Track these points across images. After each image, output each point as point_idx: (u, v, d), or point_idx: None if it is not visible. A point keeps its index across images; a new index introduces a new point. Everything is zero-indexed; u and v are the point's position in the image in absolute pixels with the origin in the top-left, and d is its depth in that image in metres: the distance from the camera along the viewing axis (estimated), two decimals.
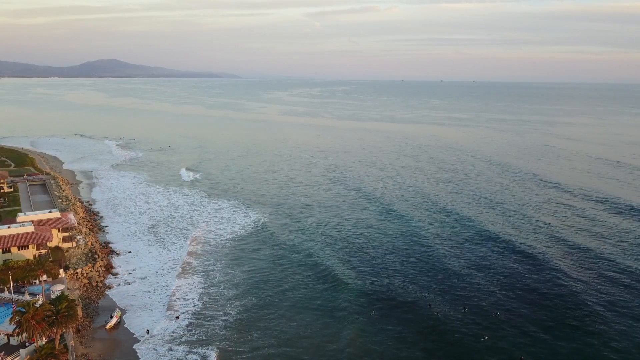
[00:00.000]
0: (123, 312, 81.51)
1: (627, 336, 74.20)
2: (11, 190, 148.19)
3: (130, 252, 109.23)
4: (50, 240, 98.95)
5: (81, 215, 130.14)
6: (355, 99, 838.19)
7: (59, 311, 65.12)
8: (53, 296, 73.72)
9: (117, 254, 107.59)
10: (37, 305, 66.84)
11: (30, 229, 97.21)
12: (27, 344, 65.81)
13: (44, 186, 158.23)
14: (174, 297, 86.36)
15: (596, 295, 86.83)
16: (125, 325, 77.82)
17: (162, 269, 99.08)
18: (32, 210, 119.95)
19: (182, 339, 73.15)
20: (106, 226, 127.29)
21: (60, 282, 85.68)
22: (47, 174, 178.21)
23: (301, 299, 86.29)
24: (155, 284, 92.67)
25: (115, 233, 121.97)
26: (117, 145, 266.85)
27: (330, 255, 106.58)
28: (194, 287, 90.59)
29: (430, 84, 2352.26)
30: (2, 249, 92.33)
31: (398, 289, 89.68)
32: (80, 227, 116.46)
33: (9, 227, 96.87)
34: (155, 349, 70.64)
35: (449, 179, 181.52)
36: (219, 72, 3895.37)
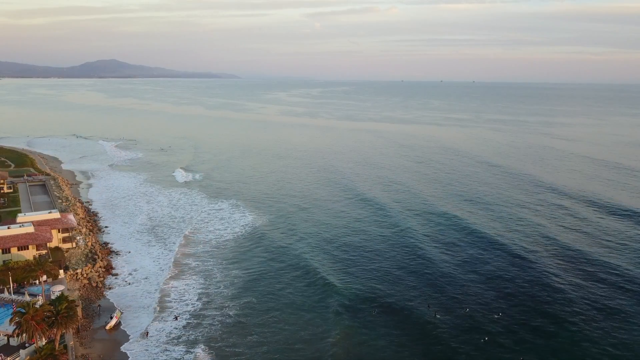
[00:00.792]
0: (123, 312, 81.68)
1: (627, 336, 74.38)
2: (11, 190, 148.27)
3: (130, 252, 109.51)
4: (50, 240, 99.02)
5: (81, 215, 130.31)
6: (355, 99, 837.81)
7: (59, 312, 65.13)
8: (53, 297, 73.77)
9: (117, 255, 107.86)
10: (37, 306, 66.95)
11: (30, 229, 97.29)
12: (27, 345, 65.91)
13: (43, 187, 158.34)
14: (173, 298, 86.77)
15: (596, 297, 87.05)
16: (124, 326, 77.93)
17: (162, 270, 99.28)
18: (32, 211, 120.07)
19: (180, 339, 73.44)
20: (106, 226, 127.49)
21: (60, 282, 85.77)
22: (47, 174, 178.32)
23: (299, 300, 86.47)
24: (155, 284, 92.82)
25: (115, 233, 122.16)
26: (117, 145, 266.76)
27: (329, 255, 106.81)
28: (193, 288, 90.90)
29: (430, 84, 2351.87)
30: (2, 250, 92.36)
31: (397, 290, 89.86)
32: (80, 227, 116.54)
33: (8, 228, 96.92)
34: (154, 350, 70.86)
35: (446, 180, 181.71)
36: (218, 73, 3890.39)
